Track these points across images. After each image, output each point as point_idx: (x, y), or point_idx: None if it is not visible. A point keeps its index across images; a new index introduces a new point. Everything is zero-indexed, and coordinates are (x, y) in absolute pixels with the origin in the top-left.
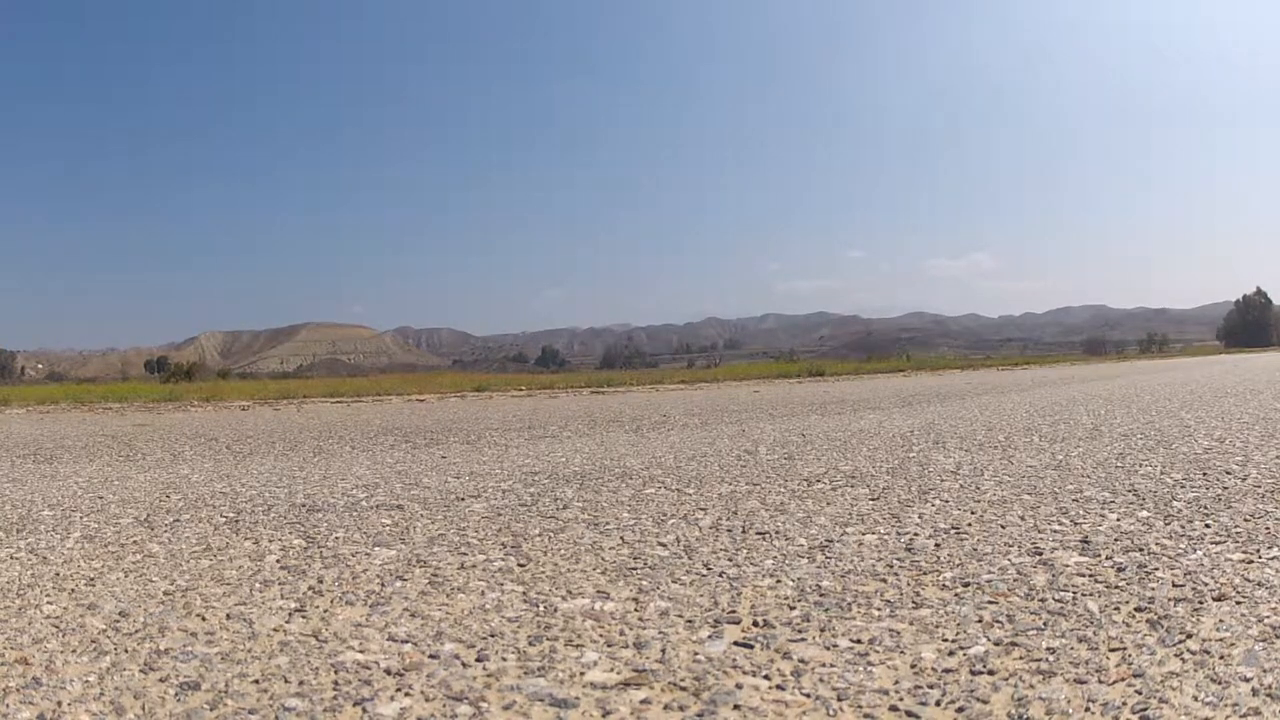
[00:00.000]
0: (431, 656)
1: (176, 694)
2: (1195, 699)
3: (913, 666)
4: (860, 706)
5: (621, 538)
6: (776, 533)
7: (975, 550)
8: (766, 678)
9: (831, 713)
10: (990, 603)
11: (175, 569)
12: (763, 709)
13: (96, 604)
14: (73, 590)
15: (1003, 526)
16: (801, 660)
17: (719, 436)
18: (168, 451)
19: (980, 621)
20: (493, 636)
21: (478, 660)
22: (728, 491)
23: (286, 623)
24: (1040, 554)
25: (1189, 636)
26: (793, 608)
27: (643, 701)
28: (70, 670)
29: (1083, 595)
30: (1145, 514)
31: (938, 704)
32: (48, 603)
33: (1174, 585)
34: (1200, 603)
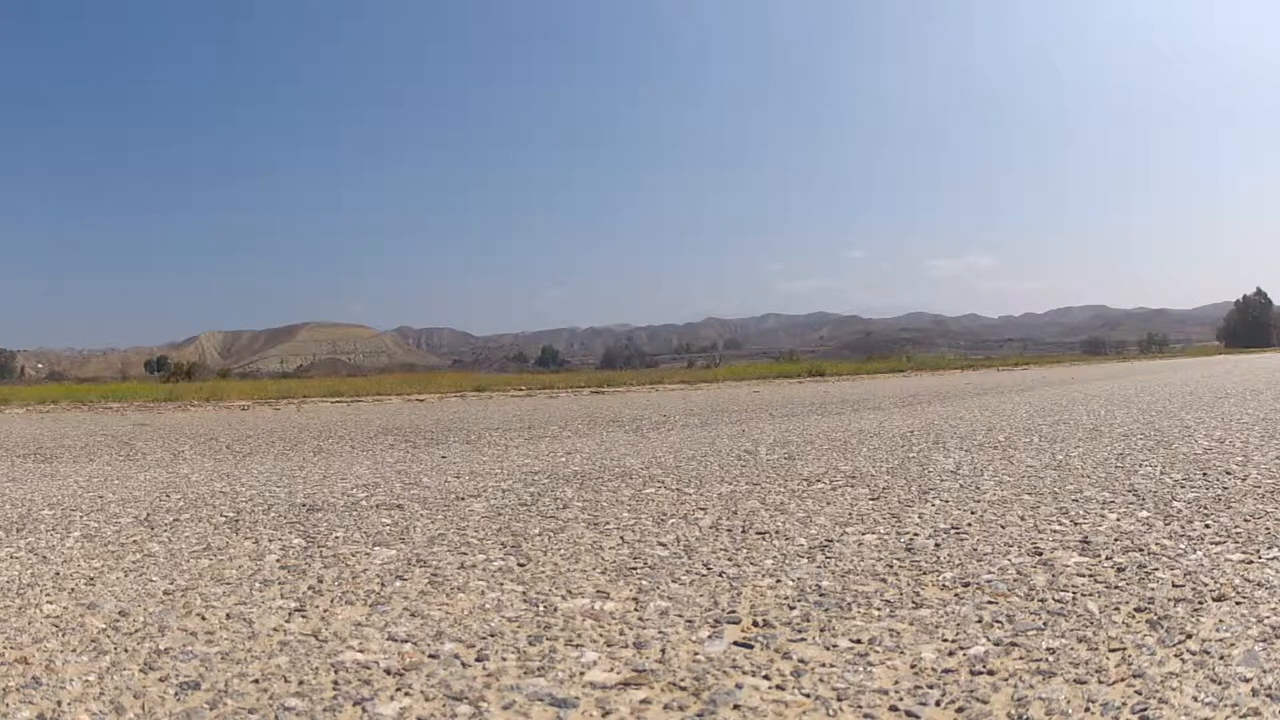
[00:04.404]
0: (431, 656)
1: (176, 694)
2: (1195, 699)
3: (913, 666)
4: (860, 706)
5: (621, 537)
6: (776, 532)
7: (975, 550)
8: (766, 678)
9: (831, 713)
10: (990, 603)
11: (175, 568)
12: (763, 709)
13: (96, 603)
14: (73, 589)
15: (1003, 526)
16: (801, 660)
17: (719, 436)
18: (168, 451)
19: (980, 621)
20: (493, 636)
21: (478, 660)
22: (728, 491)
23: (286, 622)
24: (1040, 554)
25: (1189, 637)
26: (793, 608)
27: (643, 701)
28: (70, 670)
29: (1083, 595)
30: (1145, 514)
31: (938, 704)
32: (48, 602)
33: (1174, 585)
34: (1200, 603)
